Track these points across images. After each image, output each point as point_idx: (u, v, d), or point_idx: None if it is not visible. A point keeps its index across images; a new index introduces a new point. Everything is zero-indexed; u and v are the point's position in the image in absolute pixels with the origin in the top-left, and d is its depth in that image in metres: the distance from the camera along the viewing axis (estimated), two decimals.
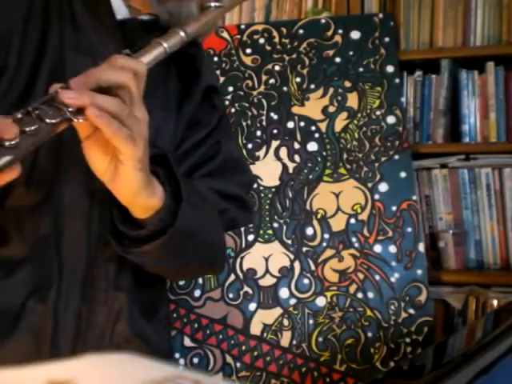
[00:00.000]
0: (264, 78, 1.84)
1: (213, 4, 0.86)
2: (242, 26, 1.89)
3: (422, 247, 1.71)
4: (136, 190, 0.78)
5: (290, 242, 1.76)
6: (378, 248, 1.72)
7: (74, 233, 0.87)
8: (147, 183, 0.79)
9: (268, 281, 1.76)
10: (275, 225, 1.78)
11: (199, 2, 0.90)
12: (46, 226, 0.86)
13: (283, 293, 1.74)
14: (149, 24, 0.92)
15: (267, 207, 1.79)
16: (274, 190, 1.79)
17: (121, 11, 0.90)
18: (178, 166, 0.88)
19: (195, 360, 1.75)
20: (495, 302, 1.76)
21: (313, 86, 1.82)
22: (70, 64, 0.84)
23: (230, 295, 1.76)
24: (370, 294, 1.71)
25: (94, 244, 0.87)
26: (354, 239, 1.74)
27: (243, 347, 1.74)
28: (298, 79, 1.83)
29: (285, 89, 1.83)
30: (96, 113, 0.70)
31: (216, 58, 1.87)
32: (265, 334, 1.73)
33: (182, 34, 0.81)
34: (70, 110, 0.70)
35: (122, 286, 0.91)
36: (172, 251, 0.87)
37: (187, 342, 1.76)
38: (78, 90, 0.71)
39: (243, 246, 1.78)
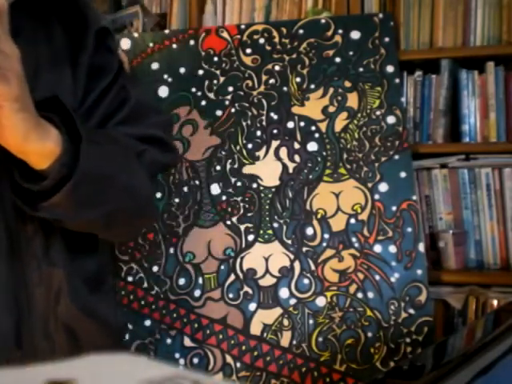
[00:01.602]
0: (264, 77, 1.84)
1: None
2: (242, 26, 1.89)
3: (421, 247, 1.71)
4: (23, 134, 0.71)
5: (290, 241, 1.76)
6: (377, 248, 1.72)
7: None
8: (34, 125, 0.72)
9: (268, 281, 1.76)
10: (275, 225, 1.78)
11: None
12: None
13: (283, 293, 1.74)
14: None
15: (267, 207, 1.79)
16: (274, 189, 1.79)
17: None
18: (70, 105, 0.80)
19: (195, 360, 1.75)
20: (495, 302, 1.76)
21: (313, 86, 1.82)
22: None
23: (230, 295, 1.76)
24: (370, 294, 1.71)
25: (11, 218, 0.80)
26: (353, 239, 1.74)
27: (243, 347, 1.74)
28: (298, 79, 1.83)
29: (285, 89, 1.83)
30: None
31: (216, 58, 1.87)
32: (265, 334, 1.73)
33: None
34: None
35: (55, 260, 0.83)
36: (85, 199, 0.80)
37: (187, 341, 1.76)
38: None
39: (243, 245, 1.78)
